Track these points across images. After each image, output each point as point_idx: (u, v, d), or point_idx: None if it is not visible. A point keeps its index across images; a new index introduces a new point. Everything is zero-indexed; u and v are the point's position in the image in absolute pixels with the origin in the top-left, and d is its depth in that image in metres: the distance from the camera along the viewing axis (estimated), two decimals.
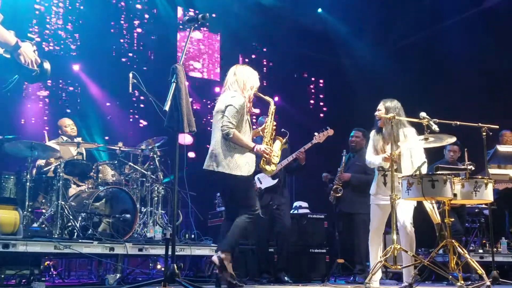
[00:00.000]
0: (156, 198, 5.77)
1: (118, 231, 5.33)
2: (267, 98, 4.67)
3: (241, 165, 4.35)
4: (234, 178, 4.32)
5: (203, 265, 6.13)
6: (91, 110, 8.81)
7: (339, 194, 6.06)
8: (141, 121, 9.26)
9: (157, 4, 9.53)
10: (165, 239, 3.41)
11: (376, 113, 4.86)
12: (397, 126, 4.81)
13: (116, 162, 5.69)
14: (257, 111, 6.76)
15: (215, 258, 4.27)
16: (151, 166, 5.85)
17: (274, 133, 4.69)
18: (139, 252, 5.07)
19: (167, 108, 3.30)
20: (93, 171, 5.55)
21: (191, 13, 9.28)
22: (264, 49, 10.78)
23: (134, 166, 5.73)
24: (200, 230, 6.25)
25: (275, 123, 4.71)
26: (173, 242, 3.34)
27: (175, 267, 3.21)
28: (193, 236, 5.92)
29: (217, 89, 10.38)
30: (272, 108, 4.69)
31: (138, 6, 9.39)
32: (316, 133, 5.70)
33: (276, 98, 10.86)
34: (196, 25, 3.62)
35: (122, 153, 5.74)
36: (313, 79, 11.07)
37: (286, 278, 5.76)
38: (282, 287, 5.14)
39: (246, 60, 10.59)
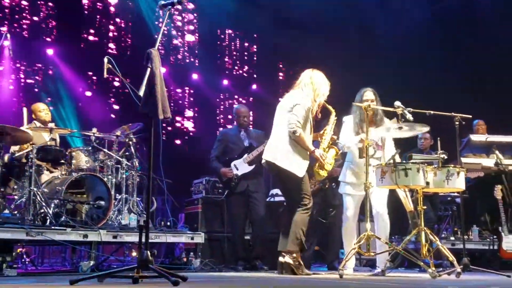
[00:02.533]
0: (131, 185, 5.72)
1: (92, 218, 5.28)
2: (330, 108, 4.87)
3: (300, 164, 4.58)
4: (290, 174, 4.55)
5: (178, 252, 6.14)
6: (65, 95, 8.66)
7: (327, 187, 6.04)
8: (116, 106, 9.15)
9: None
10: (139, 226, 3.38)
11: (368, 103, 4.85)
12: (382, 115, 4.91)
13: (90, 148, 5.60)
14: None
15: (288, 260, 4.48)
16: (126, 153, 5.79)
17: (331, 142, 4.88)
18: (114, 239, 5.04)
19: (141, 93, 3.25)
20: (66, 157, 5.46)
21: None
22: (243, 37, 10.76)
23: (109, 152, 5.66)
24: (176, 218, 6.24)
25: (333, 133, 4.91)
26: (146, 229, 3.31)
27: (149, 254, 3.19)
28: (168, 223, 5.90)
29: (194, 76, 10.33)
30: (333, 118, 4.89)
31: None
32: None
33: (255, 86, 10.91)
34: (172, 9, 3.56)
35: (97, 139, 5.66)
36: (291, 69, 11.07)
37: (262, 265, 5.80)
38: (258, 274, 5.17)
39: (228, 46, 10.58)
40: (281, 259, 4.55)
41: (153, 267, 3.15)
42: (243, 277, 4.62)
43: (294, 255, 4.52)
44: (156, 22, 9.49)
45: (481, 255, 6.38)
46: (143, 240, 3.27)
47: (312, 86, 4.70)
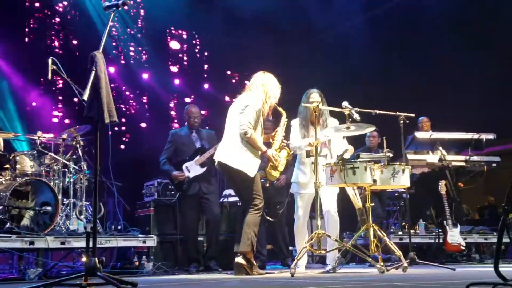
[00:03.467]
0: (79, 189, 5.60)
1: (38, 224, 5.13)
2: (281, 110, 4.93)
3: (250, 164, 4.60)
4: (241, 174, 4.58)
5: (130, 255, 6.04)
6: (8, 98, 8.35)
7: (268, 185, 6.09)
8: (63, 109, 8.89)
9: None
10: (86, 233, 3.31)
11: (314, 104, 4.93)
12: (327, 115, 5.00)
13: (35, 152, 5.44)
14: None
15: (241, 261, 4.47)
16: (74, 156, 5.66)
17: (282, 143, 4.94)
18: (62, 245, 4.93)
19: (85, 97, 3.18)
20: (10, 162, 5.28)
21: None
22: (196, 36, 10.70)
23: (55, 156, 5.51)
24: (128, 221, 6.14)
25: (284, 135, 4.98)
26: (94, 235, 3.25)
27: (96, 260, 3.13)
28: (119, 227, 5.80)
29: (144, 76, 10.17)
30: (284, 120, 4.96)
31: None
32: None
33: (206, 86, 10.86)
34: (116, 10, 3.49)
35: (42, 143, 5.50)
36: (243, 69, 11.10)
37: (216, 266, 5.80)
38: (210, 275, 5.16)
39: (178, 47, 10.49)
40: (236, 259, 4.57)
41: (101, 274, 3.09)
42: (194, 279, 4.61)
43: (247, 255, 4.55)
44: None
45: (428, 248, 6.60)
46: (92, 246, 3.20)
47: (263, 88, 4.77)
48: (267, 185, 6.00)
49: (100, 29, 8.85)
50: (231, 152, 4.65)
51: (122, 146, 9.09)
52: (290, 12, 9.66)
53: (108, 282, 3.07)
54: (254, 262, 4.63)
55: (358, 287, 3.26)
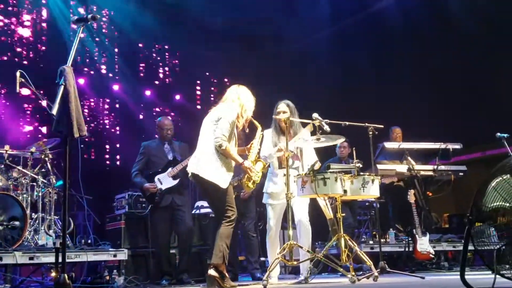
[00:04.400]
0: (48, 203, 5.50)
1: (6, 240, 5.02)
2: (256, 123, 4.97)
3: (224, 176, 4.61)
4: (213, 185, 4.58)
5: (101, 269, 5.95)
6: None
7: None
8: (32, 122, 8.74)
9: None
10: (55, 248, 3.26)
11: (282, 115, 4.98)
12: (298, 126, 5.04)
13: (3, 166, 5.33)
14: None
15: (213, 273, 4.44)
16: (43, 170, 5.56)
17: (258, 156, 4.96)
18: (30, 260, 4.84)
19: (54, 112, 3.15)
20: None
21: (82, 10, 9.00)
22: (166, 47, 10.69)
23: (23, 170, 5.41)
24: (98, 235, 6.05)
25: (260, 147, 5.00)
26: (63, 251, 3.20)
27: (66, 276, 3.09)
28: (89, 241, 5.72)
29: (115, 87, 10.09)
30: (259, 132, 4.99)
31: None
32: None
33: (178, 97, 10.84)
34: (85, 25, 3.49)
35: (10, 156, 5.39)
36: (215, 80, 11.14)
37: (188, 279, 5.76)
38: None
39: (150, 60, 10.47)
40: (208, 272, 4.56)
41: None
42: None
43: (219, 268, 4.55)
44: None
45: (398, 256, 6.69)
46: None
47: (239, 102, 4.78)
48: (235, 194, 6.02)
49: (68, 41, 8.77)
50: (204, 164, 4.65)
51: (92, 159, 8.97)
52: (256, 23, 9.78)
53: None
54: (226, 275, 4.63)
55: None
